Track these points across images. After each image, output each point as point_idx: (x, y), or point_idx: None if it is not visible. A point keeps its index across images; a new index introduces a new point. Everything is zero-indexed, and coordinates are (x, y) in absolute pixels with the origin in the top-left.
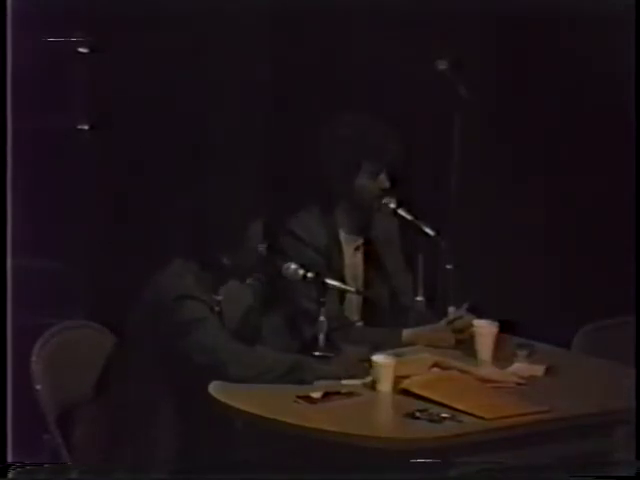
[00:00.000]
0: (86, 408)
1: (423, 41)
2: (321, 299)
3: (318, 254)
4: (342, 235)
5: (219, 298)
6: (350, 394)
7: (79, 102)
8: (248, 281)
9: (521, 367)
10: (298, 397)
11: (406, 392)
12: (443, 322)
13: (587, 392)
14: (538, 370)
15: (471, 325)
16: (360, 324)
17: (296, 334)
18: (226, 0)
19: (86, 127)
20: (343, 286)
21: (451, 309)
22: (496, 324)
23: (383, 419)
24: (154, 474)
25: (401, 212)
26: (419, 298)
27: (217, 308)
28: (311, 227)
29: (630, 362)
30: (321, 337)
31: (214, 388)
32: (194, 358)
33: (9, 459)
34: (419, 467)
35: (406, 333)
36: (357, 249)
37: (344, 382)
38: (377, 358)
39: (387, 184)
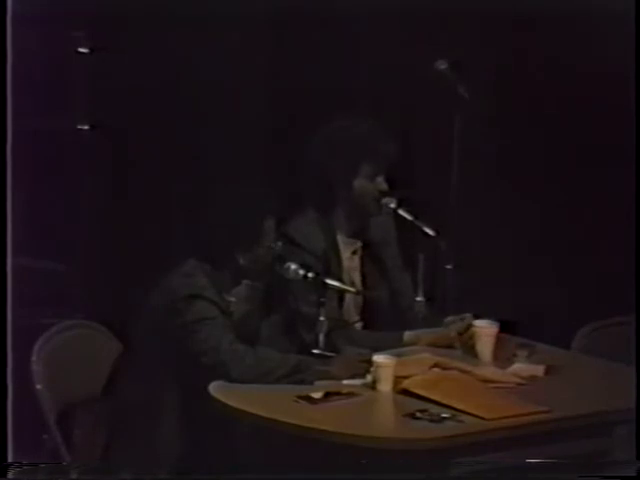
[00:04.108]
0: (86, 408)
1: (423, 41)
2: (321, 299)
3: (317, 259)
4: (340, 238)
5: (232, 299)
6: (350, 394)
7: (79, 102)
8: (246, 282)
9: (521, 367)
10: (298, 397)
11: (406, 392)
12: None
13: (587, 392)
14: (538, 370)
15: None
16: (360, 325)
17: (295, 336)
18: (226, 0)
19: (86, 127)
20: (343, 286)
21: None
22: (496, 324)
23: (383, 419)
24: (155, 474)
25: (401, 212)
26: (419, 298)
27: (231, 309)
28: (309, 232)
29: (630, 362)
30: (321, 337)
31: (214, 388)
32: (198, 358)
33: (9, 459)
34: (419, 467)
35: (407, 335)
36: (355, 252)
37: (345, 382)
38: (377, 358)
39: (385, 186)
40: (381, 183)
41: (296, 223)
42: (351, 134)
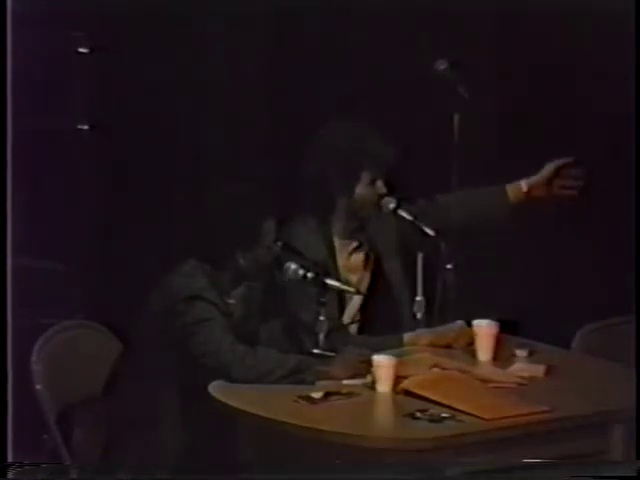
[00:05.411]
0: (86, 408)
1: (423, 41)
2: (321, 299)
3: (315, 265)
4: (338, 239)
5: (231, 301)
6: (350, 394)
7: (79, 102)
8: (246, 283)
9: (521, 367)
10: (298, 397)
11: (406, 392)
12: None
13: (587, 392)
14: (538, 370)
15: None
16: (359, 325)
17: (295, 336)
18: (226, 1)
19: (86, 127)
20: (343, 286)
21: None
22: (496, 324)
23: (383, 419)
24: (154, 474)
25: (401, 212)
26: (419, 298)
27: (231, 310)
28: (307, 238)
29: (630, 362)
30: (321, 337)
31: (214, 388)
32: (198, 359)
33: (9, 459)
34: (419, 467)
35: (407, 336)
36: (352, 253)
37: (345, 382)
38: (377, 358)
39: (384, 190)
40: (381, 188)
41: (295, 224)
42: (350, 140)
